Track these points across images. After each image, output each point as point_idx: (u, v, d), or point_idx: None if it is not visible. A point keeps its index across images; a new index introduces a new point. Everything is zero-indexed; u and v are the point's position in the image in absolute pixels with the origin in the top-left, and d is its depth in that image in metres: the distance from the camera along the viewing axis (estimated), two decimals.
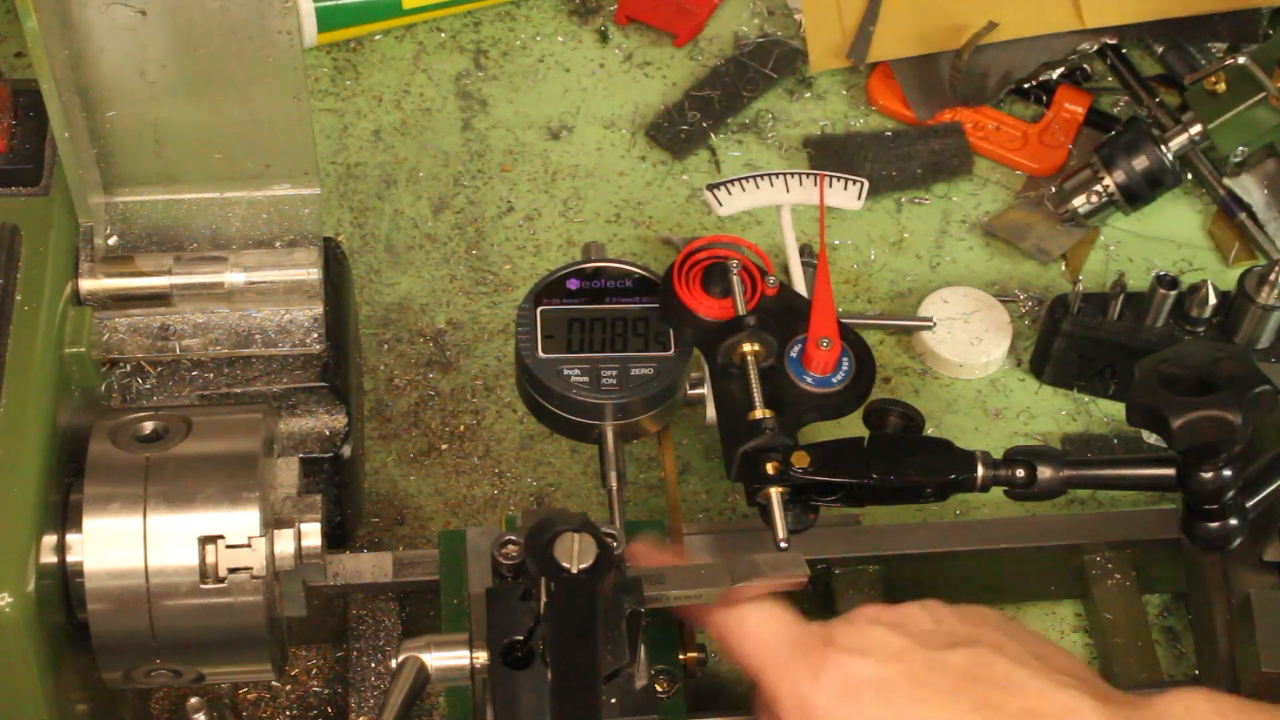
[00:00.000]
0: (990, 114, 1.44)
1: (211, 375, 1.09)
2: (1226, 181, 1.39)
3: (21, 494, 0.92)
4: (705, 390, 1.10)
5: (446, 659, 0.94)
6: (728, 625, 0.97)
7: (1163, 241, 1.39)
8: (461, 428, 1.27)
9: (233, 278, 1.06)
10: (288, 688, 1.15)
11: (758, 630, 0.96)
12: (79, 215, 1.04)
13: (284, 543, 0.97)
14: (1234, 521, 1.01)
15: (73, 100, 1.01)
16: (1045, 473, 1.02)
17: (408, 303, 1.34)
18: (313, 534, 0.98)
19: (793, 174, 1.30)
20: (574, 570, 0.91)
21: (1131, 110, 1.44)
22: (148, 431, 0.98)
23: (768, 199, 1.30)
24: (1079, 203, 1.37)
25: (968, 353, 1.31)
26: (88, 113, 1.02)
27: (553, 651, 0.90)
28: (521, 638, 0.92)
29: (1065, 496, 1.09)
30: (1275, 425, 1.10)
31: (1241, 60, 1.32)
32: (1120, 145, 1.35)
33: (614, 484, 1.06)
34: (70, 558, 0.95)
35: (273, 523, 0.97)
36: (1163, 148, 1.35)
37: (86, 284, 1.05)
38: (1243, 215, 1.37)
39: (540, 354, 1.06)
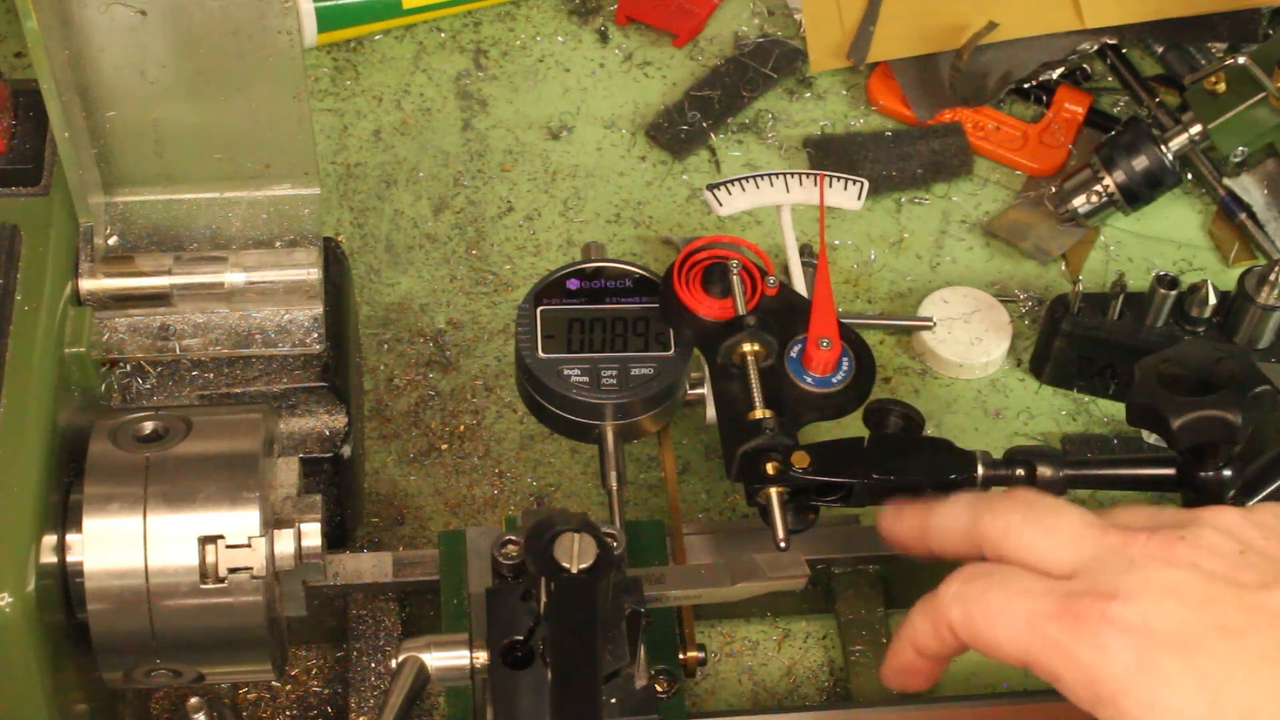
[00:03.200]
0: (990, 114, 1.44)
1: (211, 375, 1.09)
2: (1226, 181, 1.39)
3: (21, 494, 0.92)
4: (705, 390, 1.10)
5: (446, 659, 0.94)
6: (970, 621, 0.84)
7: (1163, 241, 1.39)
8: (461, 428, 1.27)
9: (233, 278, 1.06)
10: (288, 688, 1.15)
11: (1006, 612, 0.82)
12: (79, 215, 1.04)
13: (284, 543, 0.97)
14: None
15: (73, 100, 1.01)
16: (1045, 473, 1.02)
17: (408, 303, 1.34)
18: (313, 534, 0.98)
19: (793, 174, 1.30)
20: (574, 570, 0.90)
21: (1131, 110, 1.44)
22: (148, 431, 0.98)
23: (768, 199, 1.30)
24: (1079, 203, 1.37)
25: (968, 353, 1.31)
26: (88, 113, 1.02)
27: (553, 651, 0.90)
28: (521, 638, 0.92)
29: (1065, 496, 1.09)
30: (1275, 425, 1.10)
31: (1241, 60, 1.32)
32: (1120, 145, 1.35)
33: (614, 484, 1.06)
34: (70, 558, 0.95)
35: (273, 523, 0.97)
36: (1163, 148, 1.35)
37: (86, 284, 1.05)
38: (1243, 215, 1.37)
39: (540, 354, 1.06)
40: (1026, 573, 0.84)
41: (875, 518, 0.97)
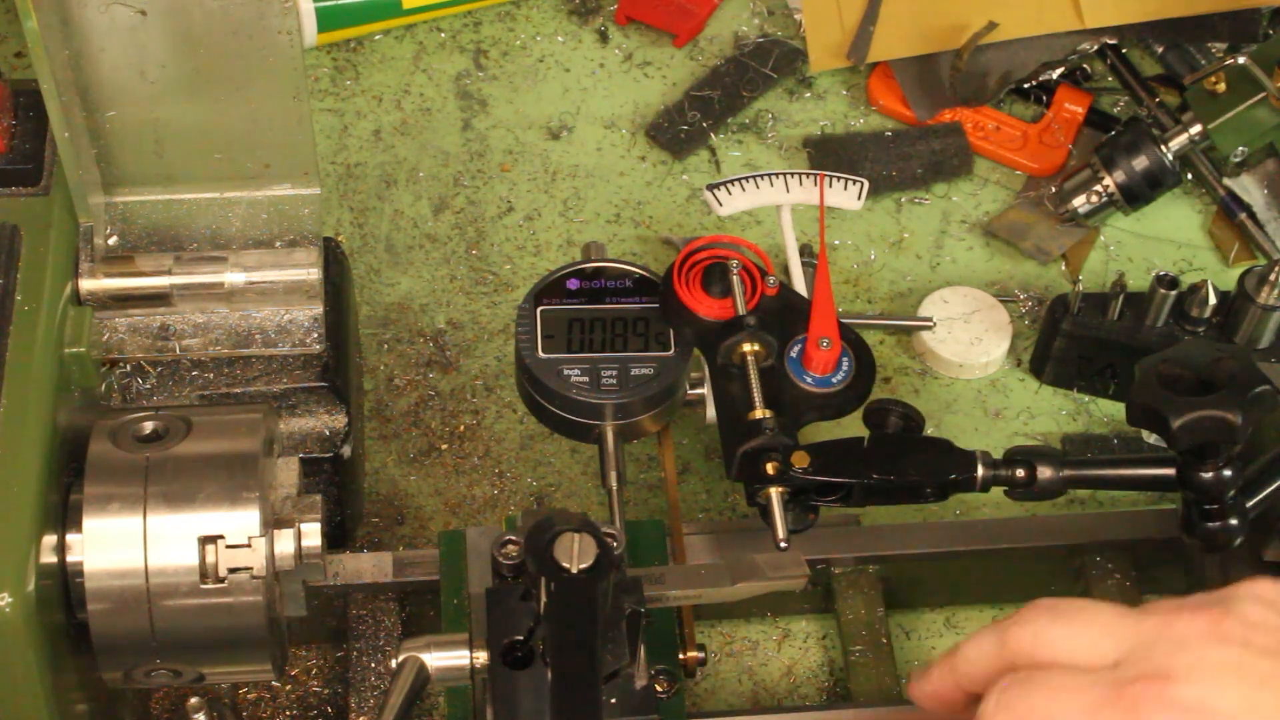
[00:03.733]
0: (990, 114, 1.44)
1: (211, 375, 1.09)
2: (1226, 181, 1.39)
3: (21, 494, 0.92)
4: (705, 390, 1.10)
5: (446, 659, 0.94)
6: None
7: (1163, 241, 1.39)
8: (461, 428, 1.27)
9: (233, 278, 1.06)
10: (288, 688, 1.15)
11: (1055, 712, 0.79)
12: (79, 215, 1.04)
13: (284, 543, 0.97)
14: (1234, 521, 1.01)
15: (73, 100, 1.01)
16: (1045, 473, 1.02)
17: (408, 303, 1.34)
18: (313, 534, 0.98)
19: (793, 174, 1.30)
20: (574, 570, 0.91)
21: (1131, 110, 1.44)
22: (148, 431, 0.98)
23: (768, 199, 1.30)
24: (1079, 203, 1.37)
25: (968, 353, 1.31)
26: (88, 113, 1.02)
27: (553, 651, 0.90)
28: (521, 638, 0.92)
29: (1065, 496, 1.09)
30: (1275, 425, 1.10)
31: (1241, 60, 1.32)
32: (1120, 145, 1.35)
33: (614, 484, 1.06)
34: (70, 558, 0.95)
35: (273, 523, 0.97)
36: (1163, 148, 1.35)
37: (86, 284, 1.05)
38: (1243, 215, 1.37)
39: (540, 354, 1.06)
40: (1066, 669, 0.81)
41: (907, 691, 0.91)
